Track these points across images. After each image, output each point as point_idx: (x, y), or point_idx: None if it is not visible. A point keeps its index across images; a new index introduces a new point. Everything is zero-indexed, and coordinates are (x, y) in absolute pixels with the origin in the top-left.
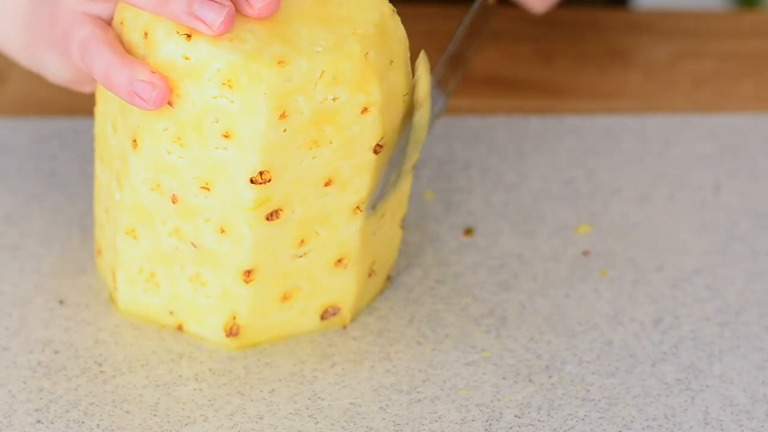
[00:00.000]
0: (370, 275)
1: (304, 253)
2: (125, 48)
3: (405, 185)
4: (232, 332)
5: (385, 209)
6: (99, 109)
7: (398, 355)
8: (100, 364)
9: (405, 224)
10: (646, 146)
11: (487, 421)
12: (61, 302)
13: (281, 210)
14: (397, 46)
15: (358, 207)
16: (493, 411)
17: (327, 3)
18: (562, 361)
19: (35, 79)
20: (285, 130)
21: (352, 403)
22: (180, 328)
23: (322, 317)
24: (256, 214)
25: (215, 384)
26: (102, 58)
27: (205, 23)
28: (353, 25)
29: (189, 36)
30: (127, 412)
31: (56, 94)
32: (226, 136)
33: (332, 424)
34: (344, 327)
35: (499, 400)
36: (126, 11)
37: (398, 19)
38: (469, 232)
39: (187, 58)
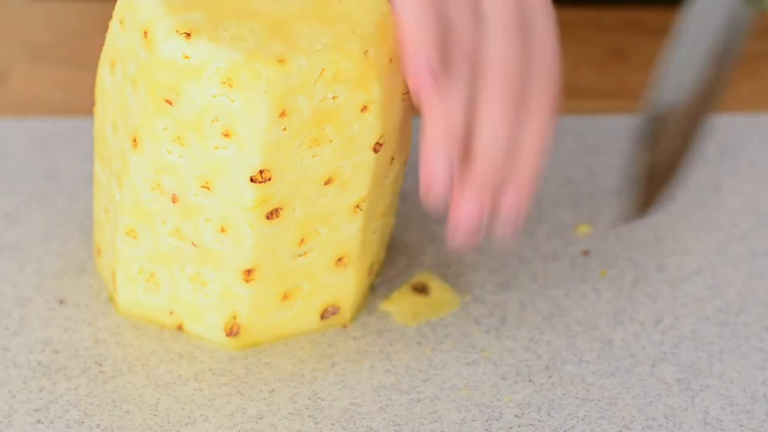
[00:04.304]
0: (369, 274)
1: (305, 252)
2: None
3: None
4: (232, 332)
5: (384, 208)
6: (98, 109)
7: (398, 355)
8: (100, 364)
9: (405, 224)
10: None
11: (487, 421)
12: (61, 302)
13: (281, 209)
14: (396, 45)
15: (358, 206)
16: (493, 411)
17: (327, 1)
18: (562, 361)
19: (35, 79)
20: (285, 129)
21: (352, 403)
22: (180, 328)
23: (322, 317)
24: (256, 213)
25: (215, 384)
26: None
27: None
28: (353, 23)
29: (188, 35)
30: (127, 412)
31: (56, 94)
32: (226, 135)
33: (332, 424)
34: (344, 326)
35: (499, 400)
36: (126, 10)
37: None
38: None
39: (187, 57)
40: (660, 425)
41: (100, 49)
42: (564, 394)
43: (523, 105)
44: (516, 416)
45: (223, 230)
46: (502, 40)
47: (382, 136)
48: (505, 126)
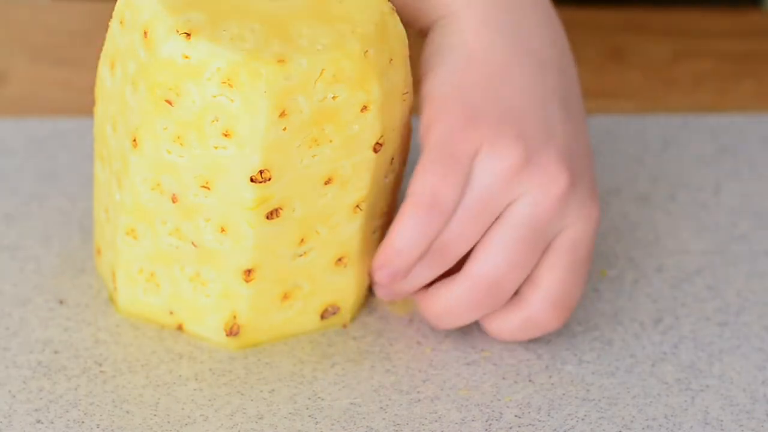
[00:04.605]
0: (369, 274)
1: (305, 252)
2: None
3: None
4: (232, 332)
5: (384, 208)
6: (98, 109)
7: (398, 355)
8: (100, 364)
9: None
10: (646, 146)
11: (487, 421)
12: (61, 302)
13: (281, 209)
14: (396, 45)
15: (358, 206)
16: (493, 411)
17: (327, 1)
18: (562, 361)
19: (35, 79)
20: (285, 129)
21: (352, 403)
22: (180, 328)
23: (322, 316)
24: (256, 213)
25: (215, 384)
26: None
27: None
28: (353, 23)
29: (188, 35)
30: (127, 412)
31: (56, 94)
32: (226, 135)
33: (332, 424)
34: (344, 326)
35: (499, 400)
36: (125, 10)
37: (398, 17)
38: None
39: (186, 57)
40: (660, 425)
41: (100, 49)
42: (564, 394)
43: (505, 299)
44: (516, 416)
45: (223, 230)
46: (503, 257)
47: (382, 136)
48: (461, 303)
